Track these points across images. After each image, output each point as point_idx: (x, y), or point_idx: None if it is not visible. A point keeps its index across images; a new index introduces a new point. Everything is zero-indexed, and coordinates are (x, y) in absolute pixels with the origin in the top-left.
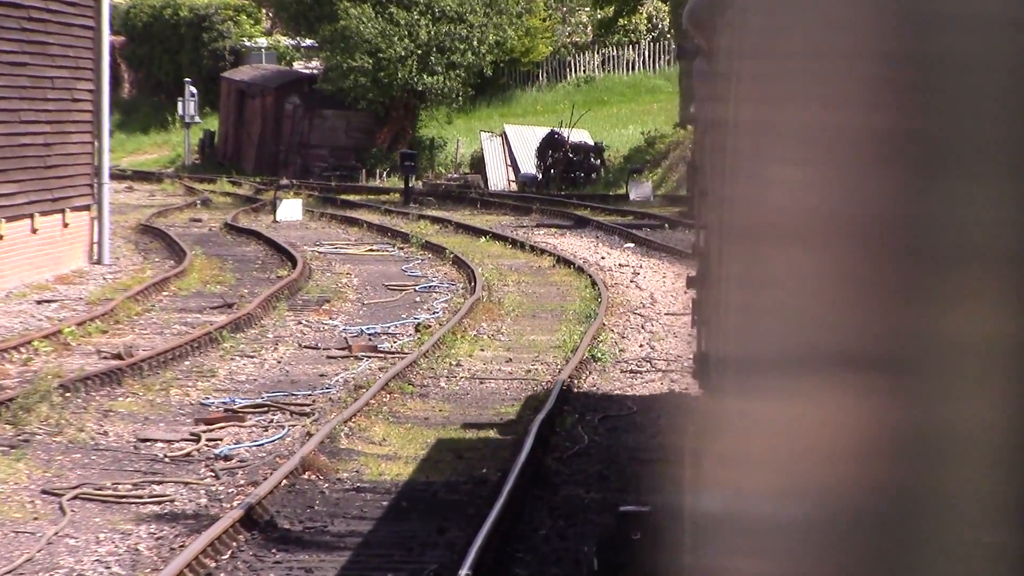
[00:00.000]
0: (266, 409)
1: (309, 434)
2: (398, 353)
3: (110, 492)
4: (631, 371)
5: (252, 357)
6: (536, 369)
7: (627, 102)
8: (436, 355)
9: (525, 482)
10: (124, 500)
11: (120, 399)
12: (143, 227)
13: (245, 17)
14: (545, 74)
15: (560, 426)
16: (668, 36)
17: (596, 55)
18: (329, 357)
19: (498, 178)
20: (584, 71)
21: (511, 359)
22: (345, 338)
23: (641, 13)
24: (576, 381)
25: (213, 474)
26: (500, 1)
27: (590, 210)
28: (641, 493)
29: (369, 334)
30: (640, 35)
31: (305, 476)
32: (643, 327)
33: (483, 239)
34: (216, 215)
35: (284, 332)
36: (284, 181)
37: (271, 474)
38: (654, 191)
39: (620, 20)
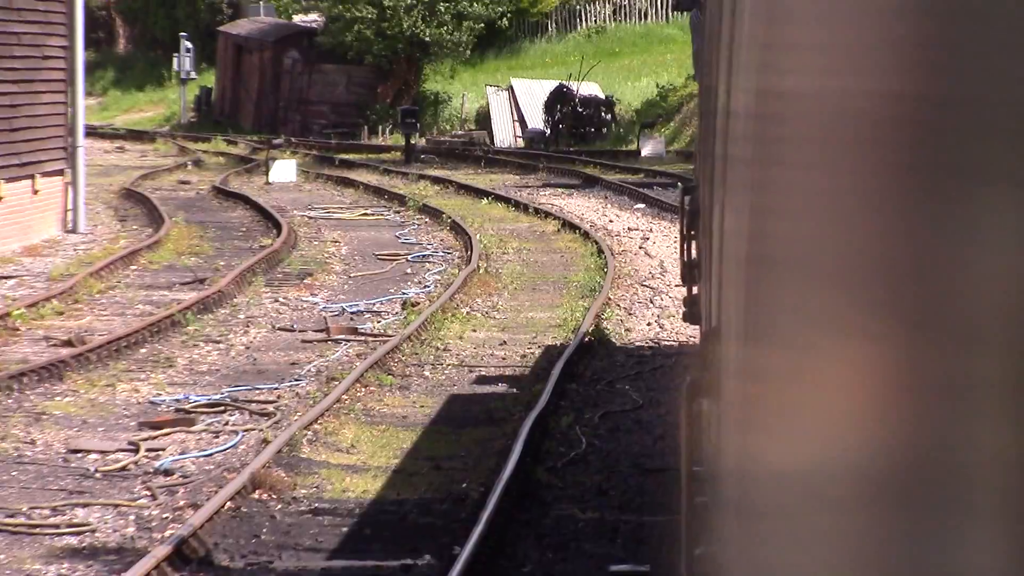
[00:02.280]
0: (222, 409)
1: (266, 441)
2: (381, 336)
3: (22, 520)
4: (638, 356)
5: (218, 343)
6: (532, 354)
7: (640, 53)
8: (422, 338)
9: (510, 502)
10: (37, 531)
11: (58, 398)
12: (126, 191)
13: None
14: (554, 24)
15: (554, 426)
16: None
17: (607, 4)
18: (304, 341)
19: (505, 134)
20: (595, 21)
21: (505, 342)
22: (324, 318)
23: None
24: (575, 369)
25: (149, 493)
26: None
27: (599, 168)
28: (644, 512)
29: (351, 313)
30: None
31: (255, 496)
32: (652, 301)
33: (485, 201)
34: (206, 177)
35: (258, 312)
36: (278, 140)
37: (215, 493)
38: (667, 146)
39: None
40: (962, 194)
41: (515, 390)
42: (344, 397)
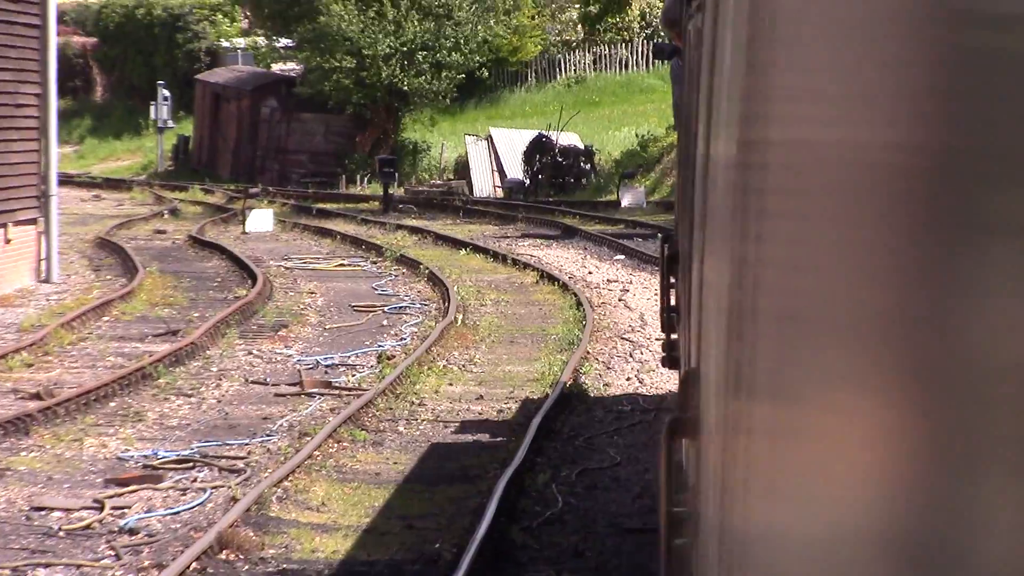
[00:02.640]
0: (191, 465)
1: (234, 499)
2: (355, 390)
3: None
4: (616, 411)
5: (189, 396)
6: (509, 409)
7: (620, 103)
8: (397, 392)
9: (484, 563)
10: None
11: (23, 453)
12: (101, 240)
13: (222, 16)
14: (534, 74)
15: (531, 484)
16: (663, 33)
17: (587, 54)
18: (277, 395)
19: (484, 184)
20: (575, 70)
21: (482, 396)
22: (299, 371)
23: (633, 9)
24: (553, 424)
25: (114, 552)
26: None
27: (579, 218)
28: (622, 575)
29: (326, 366)
30: (633, 33)
31: (222, 556)
32: (631, 355)
33: (463, 251)
34: (183, 226)
35: (231, 364)
36: (254, 189)
37: (181, 553)
38: (647, 197)
39: (609, 17)
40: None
41: (491, 446)
42: (316, 453)
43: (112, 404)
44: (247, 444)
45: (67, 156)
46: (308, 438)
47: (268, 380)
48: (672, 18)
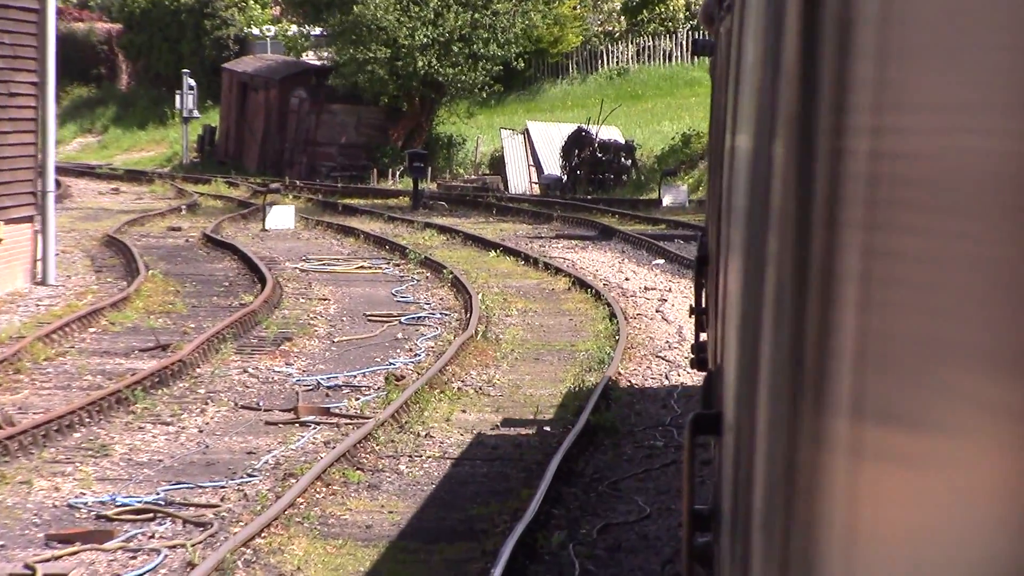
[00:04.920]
0: (151, 516)
1: (191, 564)
2: (355, 417)
3: None
4: (648, 447)
5: (168, 424)
6: (527, 443)
7: (663, 96)
8: (403, 421)
9: None
10: None
11: None
12: (109, 238)
13: (252, 2)
14: (575, 66)
15: (544, 544)
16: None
17: (630, 45)
18: (268, 423)
19: (519, 180)
20: (617, 62)
21: (498, 426)
22: (296, 393)
23: (678, 0)
24: (574, 465)
25: None
26: None
27: (617, 217)
28: None
29: (328, 387)
30: (678, 23)
31: None
32: (667, 376)
33: (493, 253)
34: (199, 223)
35: (221, 385)
36: (275, 184)
37: None
38: (689, 196)
39: (652, 7)
40: None
41: (502, 492)
42: (300, 500)
43: (77, 435)
44: (223, 487)
45: (89, 146)
46: (294, 480)
47: (260, 404)
48: (710, 14)
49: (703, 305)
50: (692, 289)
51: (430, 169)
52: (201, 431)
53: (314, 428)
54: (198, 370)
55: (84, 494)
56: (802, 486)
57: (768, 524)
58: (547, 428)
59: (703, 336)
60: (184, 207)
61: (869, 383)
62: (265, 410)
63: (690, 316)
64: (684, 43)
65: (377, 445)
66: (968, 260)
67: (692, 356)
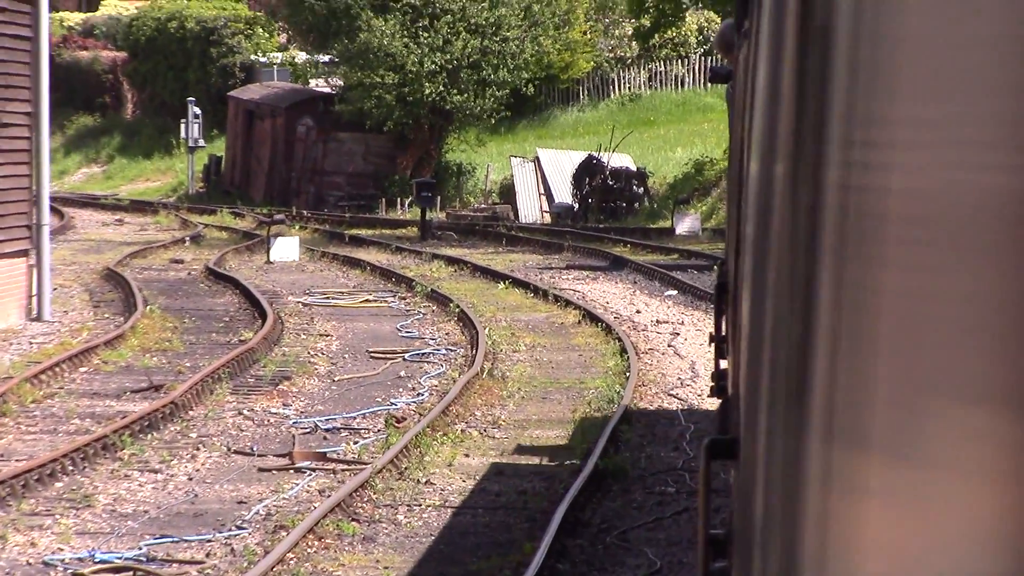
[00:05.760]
0: (130, 574)
1: None
2: (353, 463)
3: None
4: (659, 493)
5: (156, 472)
6: (532, 489)
7: (676, 122)
8: (402, 467)
9: None
10: None
11: None
12: (109, 272)
13: (260, 30)
14: (586, 92)
15: None
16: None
17: (642, 71)
18: (261, 470)
19: (530, 209)
20: (629, 88)
21: (502, 471)
22: (292, 437)
23: (690, 24)
24: (581, 514)
25: None
26: (536, 12)
27: (629, 247)
28: None
29: (325, 430)
30: (690, 48)
31: None
32: (680, 416)
33: (502, 285)
34: (202, 255)
35: (214, 428)
36: (280, 215)
37: None
38: (703, 224)
39: (663, 31)
40: None
41: (505, 544)
42: (289, 555)
43: (59, 484)
44: (209, 541)
45: (94, 176)
46: (285, 532)
47: (254, 449)
48: (728, 41)
49: (723, 333)
50: (705, 321)
51: (439, 198)
52: (191, 479)
53: (309, 475)
54: (191, 412)
55: (62, 549)
56: (794, 512)
57: (765, 548)
58: (554, 470)
59: (723, 364)
60: (188, 238)
61: (859, 415)
62: (259, 455)
63: (710, 344)
64: (696, 68)
65: (374, 493)
66: (955, 294)
67: (712, 384)
